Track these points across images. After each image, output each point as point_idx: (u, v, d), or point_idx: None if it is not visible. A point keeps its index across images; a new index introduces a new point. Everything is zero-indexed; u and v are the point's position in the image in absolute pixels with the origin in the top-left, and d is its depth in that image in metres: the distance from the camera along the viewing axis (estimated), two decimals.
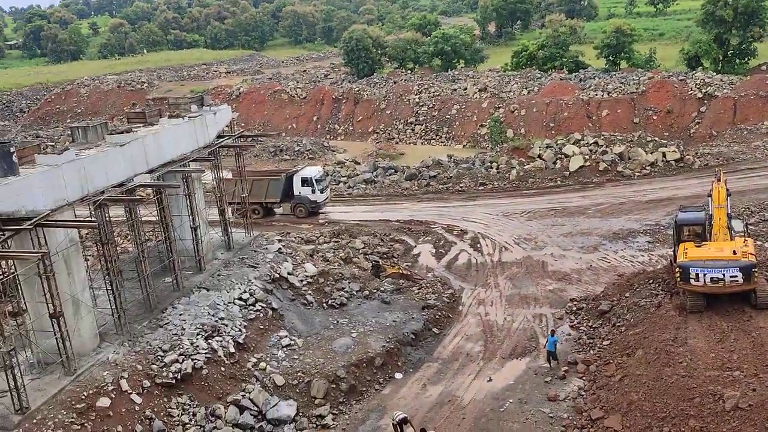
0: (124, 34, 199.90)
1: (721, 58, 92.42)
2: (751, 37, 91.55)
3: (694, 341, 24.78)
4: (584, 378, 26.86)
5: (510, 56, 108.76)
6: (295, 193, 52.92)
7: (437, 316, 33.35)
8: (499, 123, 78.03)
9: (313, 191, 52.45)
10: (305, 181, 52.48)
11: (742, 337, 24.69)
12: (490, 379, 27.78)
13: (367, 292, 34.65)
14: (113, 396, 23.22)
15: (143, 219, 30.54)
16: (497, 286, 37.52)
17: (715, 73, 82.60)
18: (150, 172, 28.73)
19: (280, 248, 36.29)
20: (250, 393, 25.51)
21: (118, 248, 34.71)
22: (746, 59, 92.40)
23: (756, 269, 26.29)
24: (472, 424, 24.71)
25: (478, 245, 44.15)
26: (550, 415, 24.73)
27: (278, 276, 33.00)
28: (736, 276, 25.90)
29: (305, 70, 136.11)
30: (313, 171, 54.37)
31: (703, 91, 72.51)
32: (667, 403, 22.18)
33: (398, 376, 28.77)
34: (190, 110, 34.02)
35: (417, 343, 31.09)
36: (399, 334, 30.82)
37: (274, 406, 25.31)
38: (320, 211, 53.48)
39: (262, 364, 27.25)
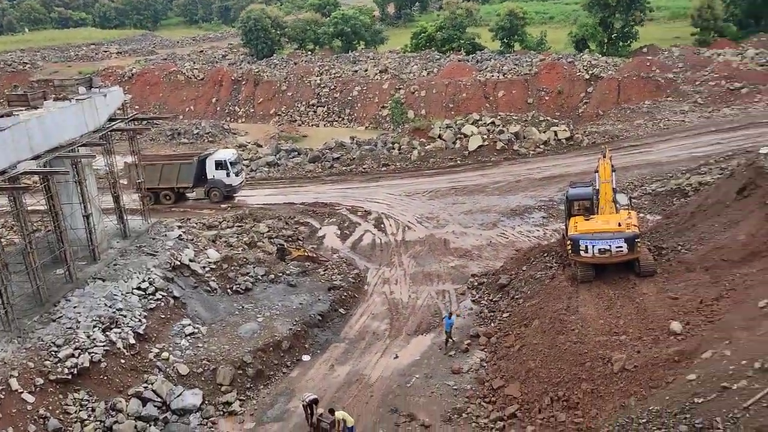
0: (1, 11, 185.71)
1: (606, 40, 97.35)
2: (633, 21, 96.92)
3: (584, 309, 26.24)
4: (486, 350, 27.92)
5: (409, 38, 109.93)
6: (209, 176, 51.21)
7: (343, 297, 33.59)
8: (400, 104, 78.84)
9: (228, 174, 50.97)
10: (219, 164, 50.87)
11: (627, 303, 26.38)
12: (397, 356, 28.35)
13: (272, 276, 34.35)
14: (1, 396, 21.90)
15: (30, 208, 28.78)
16: (401, 265, 38.18)
17: (600, 56, 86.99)
18: (35, 158, 27.03)
19: (180, 235, 35.24)
20: (152, 384, 24.77)
21: (2, 240, 32.59)
22: (629, 42, 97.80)
23: (639, 240, 28.10)
24: (380, 401, 25.17)
25: (382, 225, 44.68)
26: (455, 387, 25.57)
27: (179, 263, 32.09)
28: (622, 246, 27.59)
29: (202, 51, 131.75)
30: (227, 153, 52.80)
31: (590, 72, 76.18)
32: (561, 369, 23.44)
33: (306, 358, 28.82)
34: (77, 92, 32.18)
35: (324, 325, 31.22)
36: (306, 317, 30.82)
37: (178, 396, 24.73)
38: (235, 195, 52.18)
39: (165, 354, 26.52)
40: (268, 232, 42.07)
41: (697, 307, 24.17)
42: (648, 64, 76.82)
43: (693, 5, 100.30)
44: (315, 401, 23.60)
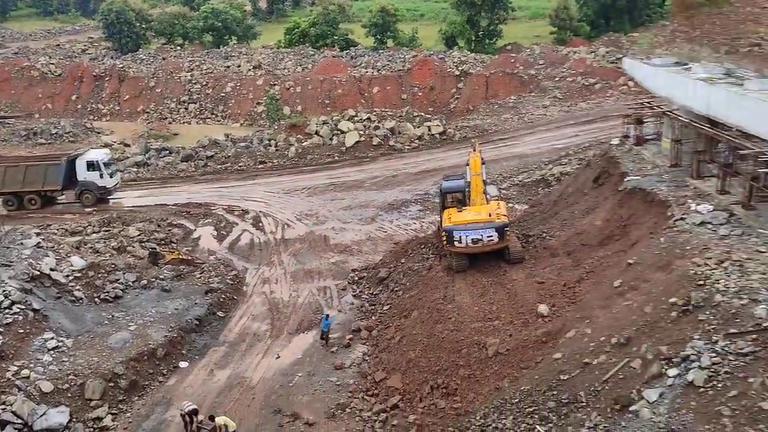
0: None
1: (473, 38, 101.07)
2: (497, 20, 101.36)
3: (460, 298, 27.20)
4: (367, 343, 28.22)
5: (283, 33, 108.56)
6: (80, 178, 47.56)
7: (222, 299, 32.72)
8: (275, 100, 77.82)
9: (102, 176, 47.54)
10: (91, 165, 47.38)
11: (499, 290, 27.62)
12: (278, 356, 28.02)
13: (144, 282, 32.81)
14: None
15: None
16: (281, 264, 37.76)
17: (469, 52, 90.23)
18: None
19: (39, 242, 32.74)
20: (11, 405, 22.85)
21: None
22: (494, 40, 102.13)
23: (508, 228, 29.52)
24: (263, 403, 24.77)
25: (261, 224, 43.98)
26: (338, 383, 25.65)
27: (38, 273, 29.77)
28: (493, 236, 28.86)
29: (59, 45, 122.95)
30: (99, 154, 49.37)
31: (460, 68, 78.88)
32: (440, 357, 24.17)
33: (183, 364, 27.79)
34: None
35: (202, 329, 30.26)
36: (182, 322, 29.71)
37: (42, 415, 23.01)
38: (110, 197, 48.98)
39: (25, 372, 24.54)
40: (139, 235, 40.13)
41: (561, 290, 25.75)
42: (512, 61, 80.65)
43: (551, 6, 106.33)
44: (195, 411, 22.80)
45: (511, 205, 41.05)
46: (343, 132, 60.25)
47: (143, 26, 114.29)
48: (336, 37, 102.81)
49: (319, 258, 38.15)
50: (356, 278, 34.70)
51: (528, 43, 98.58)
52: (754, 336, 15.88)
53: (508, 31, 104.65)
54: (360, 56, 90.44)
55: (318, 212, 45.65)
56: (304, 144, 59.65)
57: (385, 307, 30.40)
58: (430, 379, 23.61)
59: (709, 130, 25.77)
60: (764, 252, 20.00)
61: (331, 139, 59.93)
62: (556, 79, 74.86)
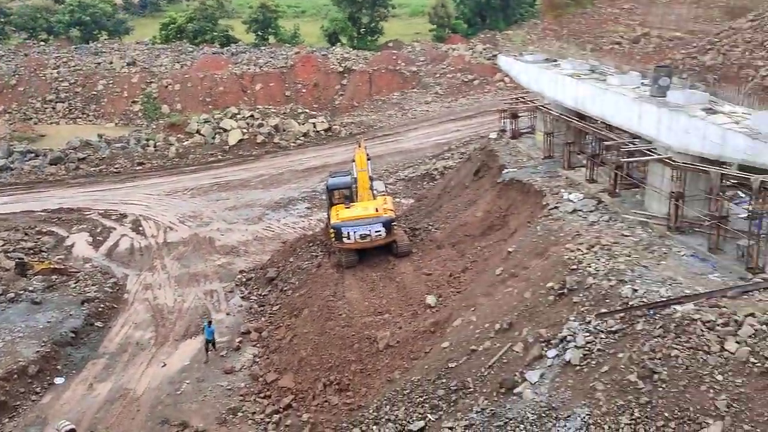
0: None
1: (355, 35, 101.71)
2: (378, 17, 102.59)
3: (350, 293, 27.33)
4: (258, 345, 27.74)
5: (158, 28, 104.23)
6: None
7: (100, 309, 31.04)
8: (152, 99, 74.58)
9: None
10: None
11: (388, 283, 28.04)
12: (164, 365, 26.95)
13: (12, 295, 30.55)
14: None
15: None
16: (165, 268, 36.34)
17: (351, 49, 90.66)
18: None
19: None
20: None
21: None
22: (376, 36, 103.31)
23: (395, 223, 30.02)
24: (148, 414, 23.74)
25: (141, 228, 42.11)
26: (228, 387, 25.04)
27: None
28: (380, 230, 29.23)
29: None
30: None
31: (343, 65, 79.05)
32: (332, 354, 24.17)
33: (59, 380, 26.08)
34: None
35: (78, 342, 28.52)
36: (56, 335, 27.87)
37: None
38: None
39: None
40: (4, 245, 37.25)
41: (448, 280, 26.52)
42: (395, 57, 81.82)
43: (429, 3, 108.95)
44: (72, 431, 21.45)
45: (397, 199, 41.74)
46: (225, 130, 58.82)
47: (1, 20, 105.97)
48: (215, 33, 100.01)
49: (204, 261, 37.04)
50: (244, 279, 34.01)
51: (409, 40, 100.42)
52: (621, 314, 17.05)
53: (389, 28, 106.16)
54: (241, 53, 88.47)
55: (202, 213, 44.32)
56: (185, 143, 57.66)
57: (275, 308, 30.02)
58: (323, 376, 23.57)
59: (578, 123, 27.39)
60: (629, 236, 21.54)
61: (213, 137, 58.33)
62: (437, 75, 76.76)
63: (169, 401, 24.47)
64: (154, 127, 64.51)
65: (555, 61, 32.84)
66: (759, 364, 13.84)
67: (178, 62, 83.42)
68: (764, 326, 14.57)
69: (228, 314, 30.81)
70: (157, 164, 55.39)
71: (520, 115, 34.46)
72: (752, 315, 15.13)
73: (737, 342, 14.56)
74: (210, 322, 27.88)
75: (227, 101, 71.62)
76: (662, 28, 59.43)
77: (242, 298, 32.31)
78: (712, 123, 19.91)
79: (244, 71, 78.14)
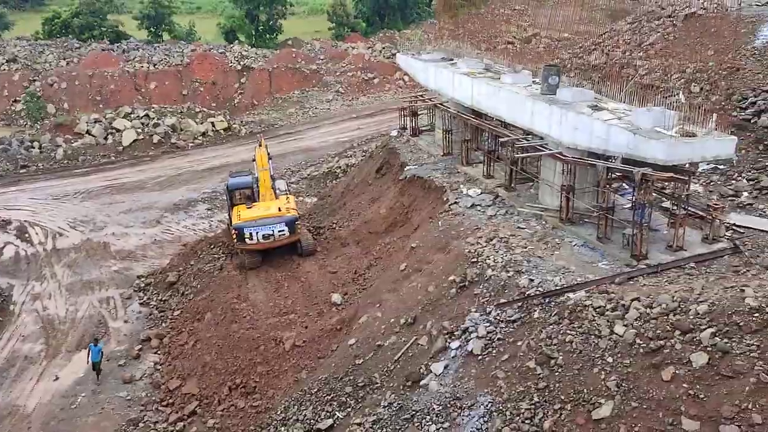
0: None
1: (253, 32, 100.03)
2: (277, 15, 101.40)
3: (254, 295, 26.94)
4: (159, 352, 26.79)
5: (40, 23, 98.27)
6: None
7: None
8: (36, 97, 70.22)
9: None
10: None
11: (293, 283, 27.86)
12: (57, 378, 25.51)
13: None
14: None
15: None
16: (54, 277, 34.37)
17: (250, 47, 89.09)
18: None
19: None
20: None
21: None
22: (275, 34, 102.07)
23: (298, 222, 29.85)
24: (41, 431, 22.42)
25: (27, 235, 39.61)
26: (128, 398, 24.05)
27: None
28: (284, 230, 29.00)
29: None
30: None
31: (242, 63, 77.58)
32: (237, 357, 23.74)
33: None
34: None
35: None
36: None
37: None
38: None
39: None
40: None
41: (353, 278, 26.68)
42: (294, 56, 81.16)
43: (328, 2, 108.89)
44: None
45: (300, 198, 41.48)
46: (118, 130, 56.34)
47: None
48: (104, 29, 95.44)
49: (99, 267, 35.33)
50: (143, 285, 32.70)
51: (308, 38, 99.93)
52: (519, 304, 17.77)
53: (288, 26, 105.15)
54: (133, 50, 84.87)
55: (95, 218, 42.24)
56: (74, 145, 54.74)
57: (176, 313, 29.10)
58: (228, 380, 23.12)
59: (474, 120, 28.23)
60: (524, 228, 22.46)
61: (105, 138, 55.73)
62: (337, 73, 76.84)
63: (64, 416, 23.22)
64: (39, 127, 60.88)
65: (451, 60, 33.67)
66: (644, 345, 14.81)
67: (64, 59, 79.01)
68: (648, 309, 15.60)
69: (126, 321, 29.57)
70: (43, 167, 52.30)
71: (419, 113, 35.10)
72: (637, 299, 16.15)
73: (625, 325, 15.51)
74: (96, 341, 25.91)
75: (120, 100, 68.58)
76: (551, 29, 62.25)
77: (141, 304, 31.07)
78: (597, 119, 21.08)
79: (137, 69, 75.06)
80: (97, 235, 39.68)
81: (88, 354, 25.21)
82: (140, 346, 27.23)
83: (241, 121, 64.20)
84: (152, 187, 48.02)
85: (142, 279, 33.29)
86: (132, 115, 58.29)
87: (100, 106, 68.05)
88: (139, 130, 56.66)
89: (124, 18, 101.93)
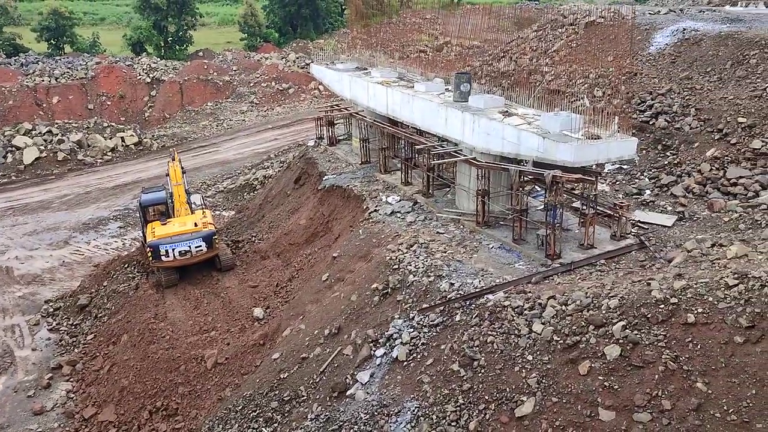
0: None
1: (162, 44, 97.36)
2: (186, 26, 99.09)
3: (173, 314, 26.11)
4: (72, 379, 25.54)
5: None
6: None
7: None
8: None
9: None
10: None
11: (213, 299, 27.20)
12: None
13: None
14: None
15: None
16: None
17: (159, 59, 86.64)
18: None
19: None
20: None
21: None
22: (185, 46, 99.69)
23: (216, 236, 29.18)
24: None
25: None
26: (39, 430, 22.78)
27: None
28: (201, 245, 28.30)
29: None
30: None
31: (151, 75, 75.33)
32: (157, 379, 22.92)
33: None
34: None
35: None
36: None
37: None
38: None
39: None
40: None
41: (275, 291, 26.32)
42: (206, 67, 79.48)
43: (239, 12, 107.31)
44: None
45: (217, 212, 40.65)
46: (18, 148, 53.47)
47: None
48: (0, 42, 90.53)
49: (1, 293, 33.33)
50: (51, 310, 31.08)
51: (219, 49, 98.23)
52: (441, 308, 18.03)
53: (198, 36, 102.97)
54: (32, 63, 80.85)
55: None
56: None
57: (89, 337, 27.84)
58: (148, 403, 22.28)
59: (390, 128, 28.51)
60: (443, 233, 22.83)
61: (4, 156, 52.77)
62: (251, 84, 75.84)
63: None
64: None
65: (365, 69, 33.92)
66: (561, 342, 15.33)
67: None
68: (563, 307, 16.17)
69: (34, 350, 28.02)
70: None
71: (336, 122, 35.12)
72: (553, 297, 16.71)
73: (542, 323, 16.00)
74: None
75: (19, 116, 65.06)
76: (461, 37, 63.78)
77: (50, 330, 29.53)
78: (508, 125, 21.73)
79: (37, 83, 71.44)
80: None
81: None
82: (50, 374, 25.88)
83: (153, 135, 62.31)
84: (59, 207, 45.84)
85: (51, 303, 31.69)
86: (33, 132, 55.49)
87: None
88: (42, 147, 54.01)
89: (21, 30, 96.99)
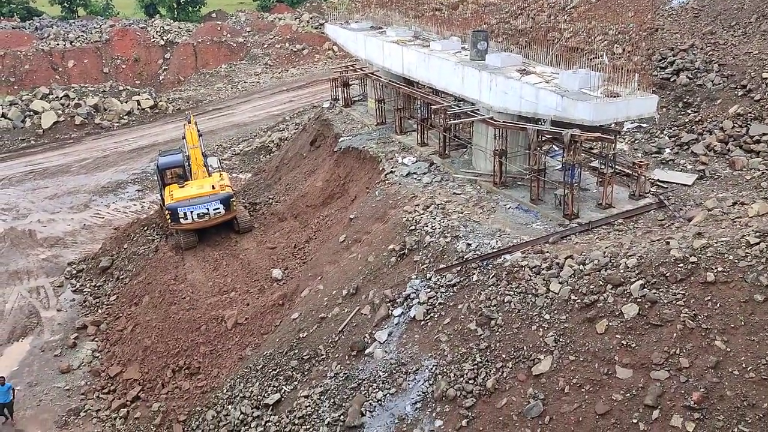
0: None
1: (175, 6, 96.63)
2: None
3: (193, 275, 26.46)
4: (96, 339, 26.10)
5: None
6: None
7: None
8: None
9: None
10: None
11: (232, 261, 27.48)
12: None
13: None
14: None
15: None
16: None
17: (172, 21, 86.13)
18: None
19: None
20: None
21: None
22: (197, 7, 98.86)
23: (234, 199, 29.35)
24: None
25: None
26: (66, 388, 23.38)
27: None
28: (219, 208, 28.49)
29: None
30: None
31: (165, 38, 75.02)
32: (179, 338, 23.36)
33: None
34: None
35: None
36: None
37: None
38: None
39: None
40: None
41: (292, 252, 26.53)
42: (219, 29, 78.93)
43: None
44: None
45: (234, 175, 40.82)
46: (37, 113, 53.76)
47: None
48: (14, 6, 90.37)
49: (25, 256, 33.93)
50: (74, 272, 31.64)
51: (232, 10, 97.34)
52: (458, 268, 18.10)
53: None
54: (47, 27, 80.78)
55: (18, 205, 40.44)
56: None
57: (112, 298, 28.34)
58: (171, 362, 22.75)
59: (406, 88, 28.24)
60: (460, 194, 22.77)
61: (23, 121, 53.13)
62: (265, 46, 75.29)
63: None
64: None
65: (380, 28, 33.45)
66: (579, 301, 15.37)
67: None
68: (581, 266, 16.16)
69: (59, 310, 28.61)
70: None
71: (351, 83, 34.84)
72: (571, 257, 16.70)
73: (560, 283, 16.03)
74: (2, 380, 21.74)
75: (36, 80, 65.49)
76: None
77: (74, 291, 30.10)
78: (526, 83, 21.44)
79: (52, 47, 71.59)
80: (22, 222, 38.06)
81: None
82: (76, 334, 26.45)
83: (168, 99, 62.30)
84: (78, 171, 46.25)
85: (74, 266, 32.21)
86: (50, 96, 55.73)
87: (15, 87, 64.82)
88: (59, 112, 54.26)
89: None
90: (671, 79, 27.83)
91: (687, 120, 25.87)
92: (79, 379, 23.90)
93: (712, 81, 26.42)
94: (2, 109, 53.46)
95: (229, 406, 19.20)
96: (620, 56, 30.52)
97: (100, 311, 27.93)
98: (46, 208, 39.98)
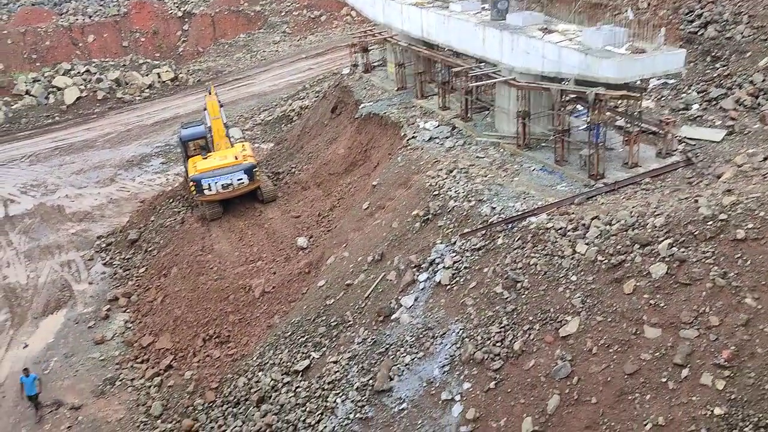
0: None
1: None
2: None
3: (219, 246, 26.75)
4: (128, 310, 26.63)
5: None
6: None
7: None
8: None
9: None
10: None
11: (257, 231, 27.71)
12: (26, 345, 25.22)
13: None
14: None
15: None
16: (11, 245, 33.54)
17: None
18: None
19: None
20: None
21: None
22: None
23: (257, 169, 29.45)
24: (16, 399, 22.21)
25: None
26: (101, 358, 23.95)
27: None
28: (242, 178, 28.61)
29: None
30: None
31: (182, 9, 74.69)
32: (208, 308, 23.74)
33: None
34: None
35: None
36: None
37: None
38: None
39: None
40: None
41: (317, 220, 26.65)
42: None
43: None
44: None
45: (256, 145, 40.88)
46: (60, 89, 54.23)
47: None
48: None
49: (56, 231, 34.56)
50: (104, 245, 32.19)
51: None
52: (483, 232, 18.02)
53: None
54: (65, 2, 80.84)
55: (46, 181, 41.09)
56: (14, 107, 52.66)
57: (141, 270, 28.80)
58: (201, 331, 23.17)
59: (426, 52, 27.85)
60: (483, 157, 22.57)
61: (46, 98, 53.65)
62: (282, 13, 74.57)
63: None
64: None
65: None
66: (606, 261, 15.24)
67: None
68: (607, 227, 15.98)
69: (91, 283, 29.20)
70: None
71: (370, 48, 34.45)
72: (597, 218, 16.51)
73: (586, 244, 15.89)
74: (27, 371, 21.40)
75: (57, 57, 65.79)
76: None
77: (104, 264, 30.65)
78: (548, 42, 20.99)
79: (72, 23, 71.71)
80: (50, 198, 38.70)
81: (22, 389, 21.13)
82: (108, 306, 27.00)
83: (188, 70, 62.32)
84: (102, 145, 46.73)
85: (103, 239, 32.76)
86: (72, 72, 56.12)
87: (37, 64, 65.18)
88: (82, 87, 54.67)
89: None
90: (699, 33, 27.04)
91: (715, 74, 25.19)
92: (113, 349, 24.46)
93: (742, 33, 25.60)
94: (26, 86, 53.99)
95: (260, 373, 19.54)
96: (645, 10, 29.68)
97: (130, 283, 28.42)
98: (74, 183, 40.56)
